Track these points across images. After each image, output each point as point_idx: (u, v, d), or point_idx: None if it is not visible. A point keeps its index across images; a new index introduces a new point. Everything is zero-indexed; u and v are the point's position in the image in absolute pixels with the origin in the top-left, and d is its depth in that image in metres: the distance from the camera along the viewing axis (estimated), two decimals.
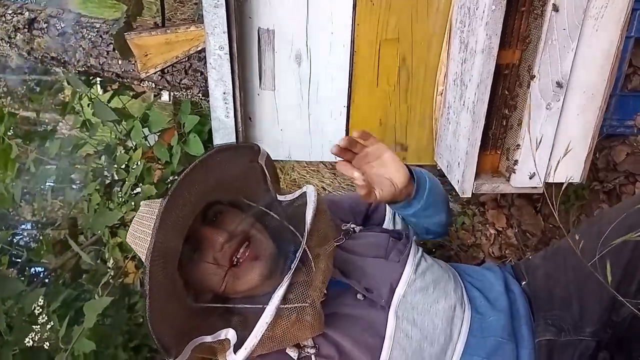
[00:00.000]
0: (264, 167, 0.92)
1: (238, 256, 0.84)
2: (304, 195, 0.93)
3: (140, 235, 0.85)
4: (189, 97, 2.01)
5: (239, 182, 0.91)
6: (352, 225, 1.06)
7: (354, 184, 0.90)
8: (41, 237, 2.44)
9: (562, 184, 1.39)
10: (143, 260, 0.86)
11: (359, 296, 0.89)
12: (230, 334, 0.79)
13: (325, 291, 0.82)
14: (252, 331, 0.76)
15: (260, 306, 0.78)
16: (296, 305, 0.78)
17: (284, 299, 0.78)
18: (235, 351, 0.76)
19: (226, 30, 1.05)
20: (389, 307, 0.86)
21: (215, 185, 0.84)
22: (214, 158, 0.81)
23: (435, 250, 2.10)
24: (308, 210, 0.88)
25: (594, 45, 0.95)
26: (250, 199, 0.93)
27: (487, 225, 2.05)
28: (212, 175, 0.81)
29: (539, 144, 1.01)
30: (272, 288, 0.81)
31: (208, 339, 0.79)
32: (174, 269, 0.79)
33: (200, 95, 1.96)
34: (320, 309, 0.80)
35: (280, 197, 0.96)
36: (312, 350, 0.83)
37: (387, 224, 1.12)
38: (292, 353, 0.82)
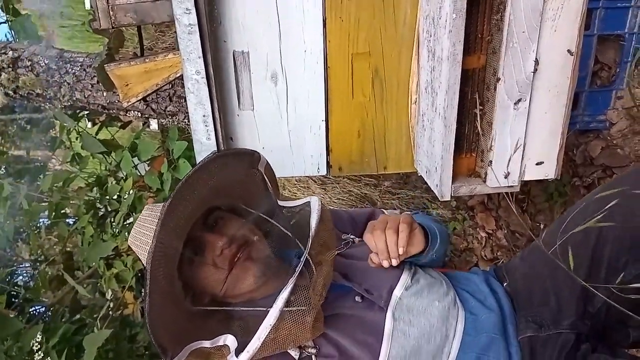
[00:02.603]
0: (264, 174, 0.94)
1: (235, 260, 0.86)
2: (307, 204, 0.95)
3: (142, 237, 0.87)
4: (176, 123, 2.05)
5: (239, 188, 0.93)
6: (352, 237, 1.09)
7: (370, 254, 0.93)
8: (37, 274, 2.44)
9: (541, 180, 1.42)
10: (143, 262, 0.88)
11: (357, 299, 0.92)
12: (229, 340, 0.81)
13: (325, 294, 0.85)
14: (254, 334, 0.78)
15: (263, 309, 0.80)
16: (298, 307, 0.80)
17: (286, 302, 0.80)
18: (237, 354, 0.78)
19: (201, 55, 1.09)
20: (387, 309, 0.89)
21: (215, 190, 0.86)
22: (215, 163, 0.83)
23: None
24: (312, 218, 0.91)
25: (553, 45, 0.99)
26: (250, 204, 0.95)
27: (478, 229, 2.08)
28: (212, 180, 0.84)
29: (511, 143, 1.04)
30: (272, 292, 0.84)
31: (206, 344, 0.81)
32: (174, 272, 0.82)
33: (186, 121, 2.00)
34: (320, 311, 0.82)
35: (282, 203, 0.98)
36: (313, 350, 0.85)
37: None
38: (294, 353, 0.85)
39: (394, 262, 0.89)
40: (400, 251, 0.88)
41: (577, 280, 0.69)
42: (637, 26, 1.44)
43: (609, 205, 0.72)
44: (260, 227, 0.93)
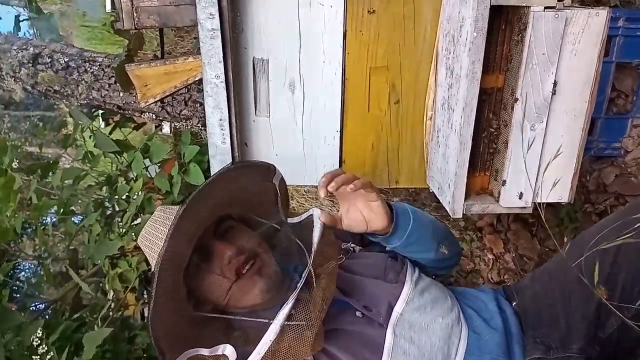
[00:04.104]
0: (277, 188, 0.94)
1: (243, 271, 0.86)
2: (310, 217, 0.95)
3: (152, 238, 0.88)
4: (189, 127, 2.06)
5: (252, 199, 0.93)
6: (352, 245, 1.08)
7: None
8: (41, 269, 2.44)
9: (552, 205, 1.40)
10: (151, 263, 0.88)
11: (358, 313, 0.90)
12: (228, 350, 0.81)
13: (326, 310, 0.84)
14: (254, 348, 0.77)
15: (265, 320, 0.80)
16: (299, 322, 0.79)
17: (288, 317, 0.79)
18: None
19: (222, 59, 1.10)
20: (387, 325, 0.88)
21: (229, 199, 0.87)
22: (232, 173, 0.83)
23: (435, 277, 2.10)
24: (315, 233, 0.90)
25: (573, 68, 0.99)
26: (261, 217, 0.95)
27: (485, 251, 2.06)
28: (227, 190, 0.84)
29: (526, 164, 1.04)
30: (274, 305, 0.83)
31: (205, 352, 0.80)
32: (180, 277, 0.82)
33: (200, 125, 2.01)
34: (321, 327, 0.81)
35: (289, 219, 0.98)
36: None
37: None
38: None
39: (331, 188, 0.85)
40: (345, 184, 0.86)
41: (601, 300, 0.68)
42: None
43: (638, 225, 0.71)
44: (267, 240, 0.93)
